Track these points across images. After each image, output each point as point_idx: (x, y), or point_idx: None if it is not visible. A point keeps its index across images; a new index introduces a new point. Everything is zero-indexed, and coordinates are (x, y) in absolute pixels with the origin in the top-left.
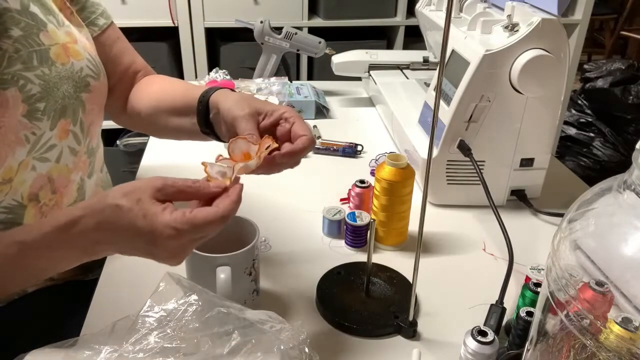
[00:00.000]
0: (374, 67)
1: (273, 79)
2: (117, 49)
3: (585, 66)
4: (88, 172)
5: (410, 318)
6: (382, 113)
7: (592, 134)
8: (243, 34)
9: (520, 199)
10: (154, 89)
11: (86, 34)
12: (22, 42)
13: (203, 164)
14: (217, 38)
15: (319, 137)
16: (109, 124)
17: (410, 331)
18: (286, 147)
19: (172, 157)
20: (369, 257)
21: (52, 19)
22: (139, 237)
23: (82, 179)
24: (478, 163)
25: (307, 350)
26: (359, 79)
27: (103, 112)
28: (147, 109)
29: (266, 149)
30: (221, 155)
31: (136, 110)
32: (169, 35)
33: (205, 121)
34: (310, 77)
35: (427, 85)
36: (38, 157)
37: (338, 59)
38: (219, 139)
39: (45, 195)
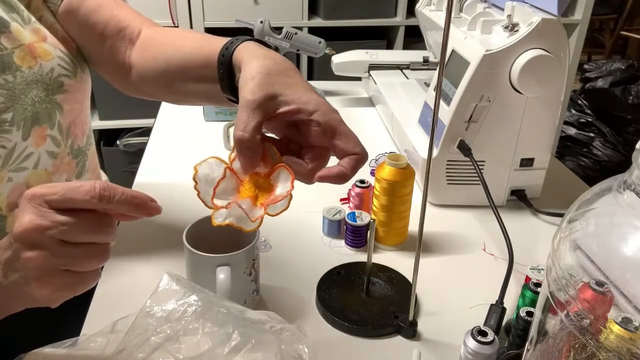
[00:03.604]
0: (374, 67)
1: None
2: (86, 9)
3: (585, 66)
4: (76, 173)
5: (410, 318)
6: (382, 113)
7: (592, 134)
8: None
9: (520, 199)
10: (160, 46)
11: (59, 26)
12: None
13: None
14: None
15: None
16: (109, 124)
17: (410, 331)
18: (326, 170)
19: (173, 157)
20: (369, 257)
21: (16, 17)
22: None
23: (69, 180)
24: (478, 163)
25: (307, 350)
26: (359, 79)
27: (87, 107)
28: (155, 74)
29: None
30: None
31: (144, 77)
32: None
33: (231, 85)
34: (310, 77)
35: (427, 85)
36: (14, 169)
37: (338, 59)
38: None
39: None
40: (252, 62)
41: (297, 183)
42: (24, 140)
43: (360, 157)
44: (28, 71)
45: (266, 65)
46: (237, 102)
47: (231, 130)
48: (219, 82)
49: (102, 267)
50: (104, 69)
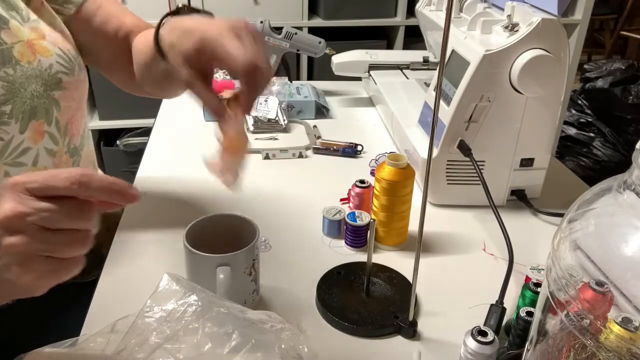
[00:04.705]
0: (374, 67)
1: (273, 79)
2: (100, 19)
3: (585, 66)
4: None
5: (410, 318)
6: (382, 113)
7: (592, 134)
8: None
9: (520, 199)
10: (136, 50)
11: (60, 25)
12: None
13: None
14: None
15: (319, 137)
16: (109, 124)
17: (410, 331)
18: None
19: (173, 157)
20: (369, 257)
21: (15, 15)
22: None
23: None
24: (478, 163)
25: (307, 350)
26: (359, 79)
27: (84, 107)
28: (144, 76)
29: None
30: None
31: (141, 78)
32: None
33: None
34: (310, 77)
35: (427, 85)
36: (11, 163)
37: (338, 59)
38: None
39: None
40: (167, 37)
41: (296, 184)
42: (20, 133)
43: (244, 71)
44: (27, 66)
45: (171, 27)
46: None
47: None
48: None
49: (87, 257)
50: (114, 72)
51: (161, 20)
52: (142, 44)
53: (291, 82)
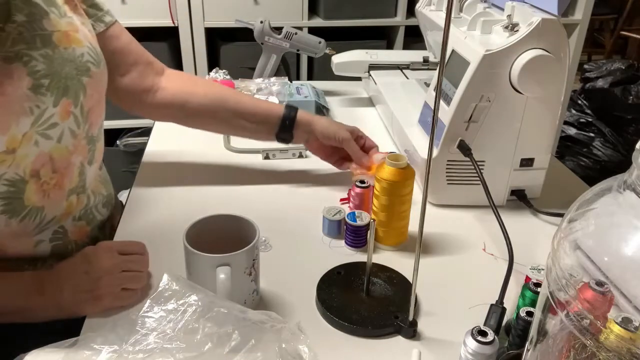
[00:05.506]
0: (374, 67)
1: (273, 79)
2: (124, 39)
3: (585, 66)
4: (88, 159)
5: (410, 318)
6: (382, 113)
7: (592, 134)
8: (243, 34)
9: (520, 199)
10: (212, 87)
11: (88, 25)
12: (25, 26)
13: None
14: (217, 38)
15: None
16: (109, 124)
17: (410, 331)
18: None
19: (173, 157)
20: (369, 257)
21: (54, 10)
22: (81, 258)
23: (83, 164)
24: (478, 163)
25: (307, 350)
26: (359, 79)
27: (104, 102)
28: (201, 105)
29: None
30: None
31: (177, 103)
32: (169, 35)
33: (282, 132)
34: (310, 77)
35: (427, 85)
36: (41, 133)
37: (338, 59)
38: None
39: (46, 174)
40: (322, 121)
41: (296, 183)
42: (53, 107)
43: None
44: (64, 50)
45: (328, 119)
46: (282, 141)
47: None
48: (279, 127)
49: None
50: (127, 86)
51: (289, 114)
52: (244, 101)
53: (291, 82)
